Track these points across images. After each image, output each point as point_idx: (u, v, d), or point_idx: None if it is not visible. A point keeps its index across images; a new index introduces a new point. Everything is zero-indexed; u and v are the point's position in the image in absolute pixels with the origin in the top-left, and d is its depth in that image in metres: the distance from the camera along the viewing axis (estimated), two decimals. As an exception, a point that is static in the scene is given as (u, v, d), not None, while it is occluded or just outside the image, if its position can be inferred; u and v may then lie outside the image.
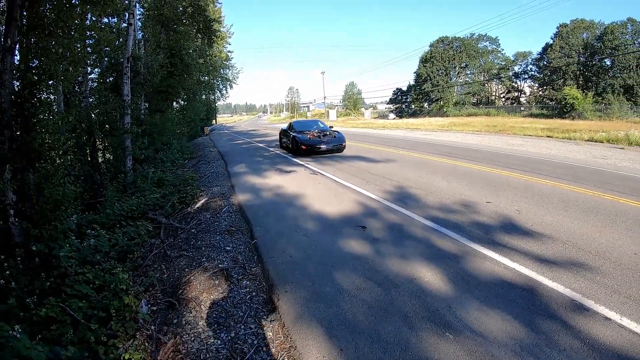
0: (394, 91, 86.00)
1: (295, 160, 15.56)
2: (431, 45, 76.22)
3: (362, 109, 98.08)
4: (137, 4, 19.15)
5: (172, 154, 18.44)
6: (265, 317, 4.34)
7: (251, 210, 8.25)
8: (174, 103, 28.52)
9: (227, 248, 6.25)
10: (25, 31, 6.13)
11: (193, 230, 7.24)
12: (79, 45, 14.23)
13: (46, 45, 6.22)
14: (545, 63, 66.42)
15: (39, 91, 6.10)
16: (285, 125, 21.95)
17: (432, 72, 73.66)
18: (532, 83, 72.45)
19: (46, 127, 6.08)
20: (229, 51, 60.22)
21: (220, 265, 5.54)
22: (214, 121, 65.02)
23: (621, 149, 19.70)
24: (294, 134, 17.60)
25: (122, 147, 14.22)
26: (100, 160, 16.21)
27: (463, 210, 7.90)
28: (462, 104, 71.57)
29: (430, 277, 5.00)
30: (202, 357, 3.76)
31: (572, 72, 61.43)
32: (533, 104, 65.65)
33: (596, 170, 12.70)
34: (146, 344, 3.91)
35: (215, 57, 49.43)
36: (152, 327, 4.17)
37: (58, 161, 6.49)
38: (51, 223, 5.97)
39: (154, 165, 15.04)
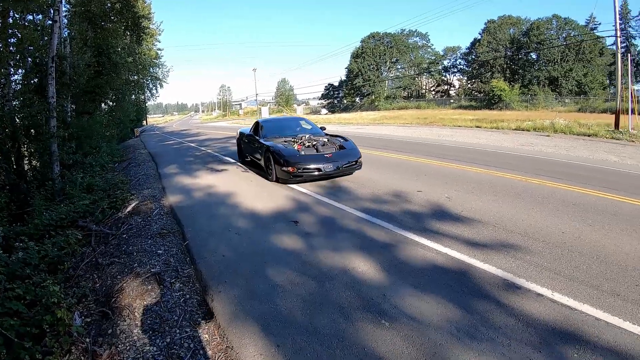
0: (325, 87, 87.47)
1: (227, 158, 15.21)
2: (362, 41, 78.44)
3: (295, 106, 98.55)
4: (63, 0, 18.43)
5: (102, 157, 17.56)
6: (200, 319, 4.27)
7: (183, 212, 8.12)
8: (102, 104, 28.07)
9: (159, 252, 6.08)
10: None
11: (124, 236, 6.98)
12: (0, 44, 13.33)
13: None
14: (473, 57, 70.86)
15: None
16: (245, 127, 15.09)
17: (363, 67, 75.57)
18: (461, 76, 77.08)
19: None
20: (158, 49, 59.28)
21: (152, 270, 5.40)
22: (144, 122, 62.92)
23: (547, 136, 21.09)
24: (267, 143, 10.81)
25: (49, 152, 13.73)
26: (26, 167, 15.71)
27: (395, 200, 8.05)
28: (393, 97, 74.29)
29: (364, 267, 5.03)
30: (139, 366, 3.63)
31: (499, 66, 66.26)
32: (462, 97, 70.03)
33: (523, 157, 13.47)
34: (82, 358, 3.77)
35: (144, 55, 48.66)
36: (87, 340, 3.98)
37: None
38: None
39: (82, 170, 14.29)
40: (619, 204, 7.64)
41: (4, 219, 7.04)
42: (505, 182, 9.39)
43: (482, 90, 64.99)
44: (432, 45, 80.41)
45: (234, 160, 14.40)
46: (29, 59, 15.64)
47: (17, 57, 15.15)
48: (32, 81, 16.07)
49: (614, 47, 26.90)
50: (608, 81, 58.87)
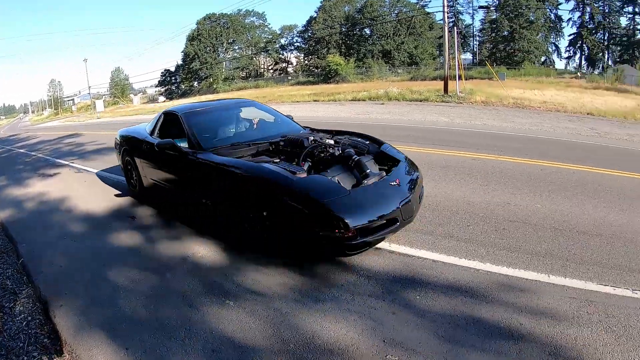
0: (162, 73, 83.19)
1: (59, 161, 13.58)
2: (198, 23, 76.30)
3: (131, 96, 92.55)
4: None
5: None
6: (46, 339, 3.86)
7: (14, 226, 7.19)
8: None
9: (-7, 277, 5.35)
10: None
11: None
12: None
13: None
14: (310, 35, 73.68)
15: None
16: (133, 128, 8.38)
17: (199, 50, 73.88)
18: (298, 54, 79.59)
19: None
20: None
21: (-12, 300, 4.75)
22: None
23: (382, 104, 22.55)
24: (246, 165, 4.72)
25: None
26: None
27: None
28: (232, 79, 74.27)
29: (203, 251, 4.94)
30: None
31: (335, 42, 70.41)
32: (300, 73, 72.76)
33: (358, 124, 14.11)
34: None
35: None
36: None
37: None
38: None
39: None
40: (446, 157, 8.38)
41: None
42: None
43: (319, 65, 68.36)
44: (269, 24, 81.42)
45: (66, 162, 13.02)
46: None
47: None
48: None
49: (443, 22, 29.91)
50: (438, 52, 66.18)
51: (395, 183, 4.41)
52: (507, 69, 51.61)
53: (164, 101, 72.07)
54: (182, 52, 78.03)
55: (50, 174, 11.62)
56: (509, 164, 8.12)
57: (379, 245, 4.43)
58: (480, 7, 68.96)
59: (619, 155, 9.79)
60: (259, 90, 56.12)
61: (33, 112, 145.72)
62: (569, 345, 2.94)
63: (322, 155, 4.92)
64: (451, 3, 63.58)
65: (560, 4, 63.92)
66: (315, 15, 71.98)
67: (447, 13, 26.16)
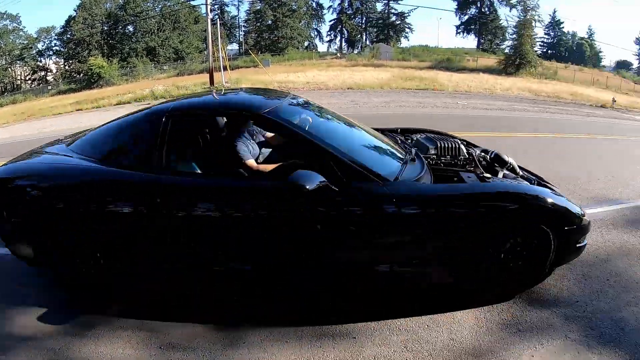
0: None
1: None
2: None
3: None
4: None
5: None
6: None
7: None
8: None
9: None
10: None
11: None
12: None
13: None
14: (69, 36, 67.93)
15: None
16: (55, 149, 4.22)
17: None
18: (58, 59, 72.72)
19: None
20: None
21: None
22: None
23: (148, 105, 22.60)
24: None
25: None
26: None
27: None
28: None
29: None
30: None
31: (96, 42, 66.24)
32: (60, 81, 66.76)
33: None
34: None
35: None
36: None
37: None
38: None
39: None
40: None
41: None
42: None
43: (80, 70, 63.64)
44: (25, 28, 72.18)
45: None
46: None
47: None
48: None
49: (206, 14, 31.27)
50: (204, 45, 66.54)
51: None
52: (272, 55, 56.74)
53: None
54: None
55: None
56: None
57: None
58: (244, -3, 73.17)
59: (373, 120, 11.39)
60: (16, 106, 49.76)
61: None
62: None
63: (472, 158, 3.96)
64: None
65: (322, -8, 73.07)
66: (75, 14, 66.18)
67: (210, 5, 27.25)
